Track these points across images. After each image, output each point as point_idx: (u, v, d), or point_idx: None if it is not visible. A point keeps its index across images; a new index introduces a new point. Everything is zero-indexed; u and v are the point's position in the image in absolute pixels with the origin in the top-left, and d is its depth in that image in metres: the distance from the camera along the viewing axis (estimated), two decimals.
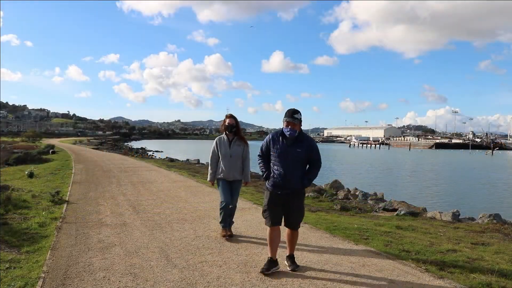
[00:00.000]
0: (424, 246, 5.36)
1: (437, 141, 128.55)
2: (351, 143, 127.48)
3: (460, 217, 8.93)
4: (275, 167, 4.18)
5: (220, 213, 5.51)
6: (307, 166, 4.26)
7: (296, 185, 4.13)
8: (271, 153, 4.23)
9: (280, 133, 4.22)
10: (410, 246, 5.32)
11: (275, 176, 4.17)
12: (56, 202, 7.91)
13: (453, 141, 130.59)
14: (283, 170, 4.11)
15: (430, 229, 6.83)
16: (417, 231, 6.57)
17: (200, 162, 26.65)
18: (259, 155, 4.39)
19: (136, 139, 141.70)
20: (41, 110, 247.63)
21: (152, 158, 32.69)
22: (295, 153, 4.11)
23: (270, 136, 4.30)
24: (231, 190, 5.47)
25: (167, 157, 30.98)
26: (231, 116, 5.53)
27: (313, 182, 4.50)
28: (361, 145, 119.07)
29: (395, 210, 9.42)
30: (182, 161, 28.42)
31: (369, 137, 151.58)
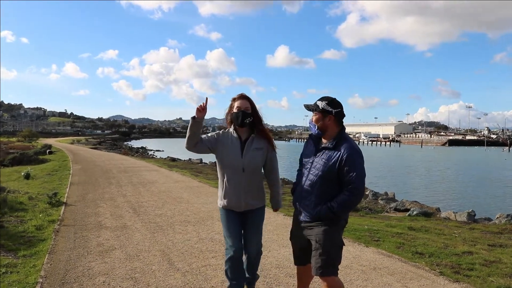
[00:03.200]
0: (438, 248, 5.33)
1: (451, 137, 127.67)
2: (360, 140, 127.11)
3: (476, 218, 8.87)
4: (299, 180, 3.10)
5: (226, 269, 3.28)
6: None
7: (312, 212, 2.92)
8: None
9: (315, 135, 3.06)
10: (424, 248, 5.29)
11: (295, 194, 3.12)
12: (54, 204, 7.94)
13: (467, 137, 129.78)
14: (301, 187, 3.02)
15: (444, 230, 6.78)
16: (430, 232, 6.53)
17: (203, 161, 26.69)
18: (299, 160, 3.25)
19: (136, 138, 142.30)
20: (37, 109, 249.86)
21: (152, 157, 32.77)
22: (319, 164, 2.91)
23: (309, 136, 3.21)
24: (245, 227, 3.33)
25: (168, 157, 31.04)
26: (242, 97, 3.28)
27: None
28: (370, 142, 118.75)
29: (407, 210, 9.38)
30: (184, 160, 28.47)
31: (379, 134, 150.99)
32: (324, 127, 2.93)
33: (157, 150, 54.71)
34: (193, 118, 3.11)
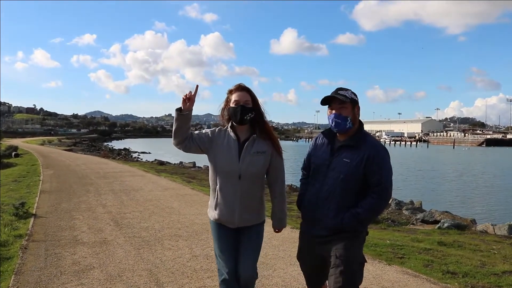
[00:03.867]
0: (473, 267, 5.33)
1: (488, 136, 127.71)
2: (381, 140, 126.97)
3: None
4: (310, 188, 3.12)
5: None
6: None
7: (332, 222, 2.91)
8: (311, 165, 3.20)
9: (328, 132, 3.11)
10: (456, 267, 5.29)
11: (305, 204, 3.11)
12: (21, 216, 7.96)
13: (508, 136, 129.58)
14: (315, 195, 3.01)
15: (480, 246, 6.78)
16: (464, 248, 6.53)
17: (197, 165, 26.73)
18: (302, 168, 3.30)
19: (118, 138, 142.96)
20: (1, 104, 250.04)
21: (137, 161, 32.89)
22: (340, 166, 2.92)
23: (315, 138, 3.25)
24: (238, 246, 3.17)
25: (156, 160, 31.17)
26: (241, 88, 3.16)
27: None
28: (393, 142, 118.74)
29: (436, 222, 9.38)
30: (175, 164, 28.56)
31: (403, 133, 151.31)
32: (355, 119, 2.97)
33: (142, 152, 55.00)
34: (178, 110, 3.01)
